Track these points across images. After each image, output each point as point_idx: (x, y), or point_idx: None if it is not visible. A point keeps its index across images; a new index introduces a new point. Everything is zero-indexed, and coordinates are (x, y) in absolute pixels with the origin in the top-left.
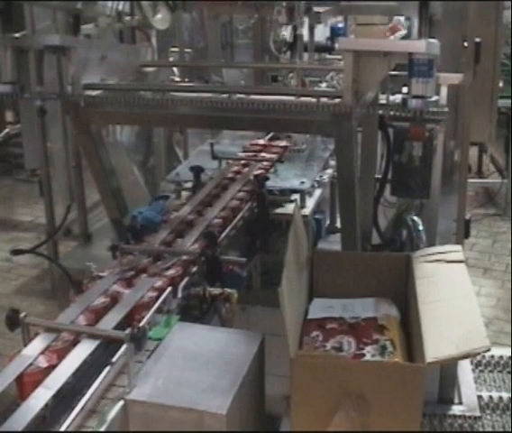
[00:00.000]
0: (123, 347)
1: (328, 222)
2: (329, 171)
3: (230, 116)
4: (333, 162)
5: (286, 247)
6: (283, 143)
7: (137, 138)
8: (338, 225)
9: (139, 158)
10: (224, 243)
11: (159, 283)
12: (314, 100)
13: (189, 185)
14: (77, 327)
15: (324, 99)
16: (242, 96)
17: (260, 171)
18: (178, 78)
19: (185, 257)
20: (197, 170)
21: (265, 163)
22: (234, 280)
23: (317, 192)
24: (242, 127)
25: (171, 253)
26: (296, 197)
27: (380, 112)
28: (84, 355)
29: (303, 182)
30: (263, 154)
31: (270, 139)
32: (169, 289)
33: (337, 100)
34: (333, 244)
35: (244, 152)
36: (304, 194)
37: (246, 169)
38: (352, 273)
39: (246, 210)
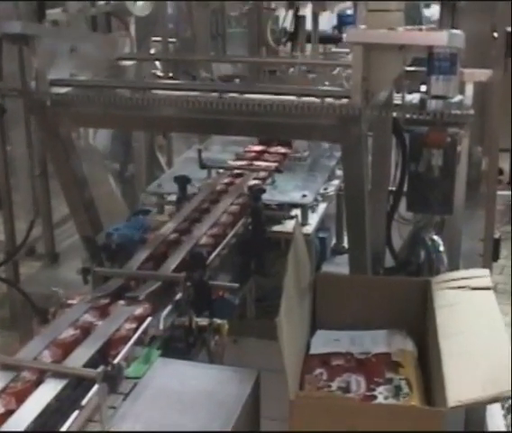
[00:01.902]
0: (95, 387)
1: (334, 241)
2: (335, 183)
3: (221, 119)
4: (339, 173)
5: (285, 270)
6: (282, 150)
7: (113, 143)
8: (345, 244)
9: (115, 166)
10: (214, 265)
11: (138, 312)
12: (317, 101)
13: (174, 198)
14: (42, 363)
15: (329, 100)
16: (234, 95)
17: (255, 183)
18: (160, 74)
19: (168, 282)
20: (183, 181)
21: (261, 173)
22: (225, 309)
23: (321, 207)
24: (235, 132)
25: (152, 278)
26: (296, 212)
27: (395, 114)
28: (48, 398)
29: (304, 195)
30: (259, 163)
31: (267, 145)
32: (150, 319)
33: (344, 101)
34: (340, 266)
35: (237, 160)
36: (306, 209)
37: (239, 179)
38: (361, 301)
39: (239, 227)
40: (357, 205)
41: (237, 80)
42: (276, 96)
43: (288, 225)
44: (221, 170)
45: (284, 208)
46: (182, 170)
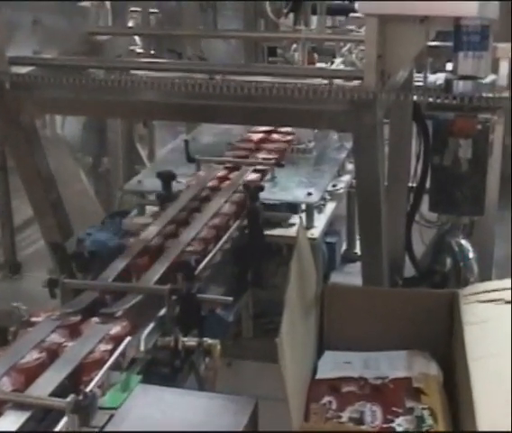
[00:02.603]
0: (64, 420)
1: (345, 247)
2: (345, 179)
3: (211, 105)
4: (350, 167)
5: (287, 281)
6: (284, 140)
7: (85, 133)
8: (358, 250)
9: (87, 160)
10: (204, 275)
11: (114, 331)
12: (325, 82)
13: (156, 197)
14: (0, 393)
15: (338, 81)
16: (228, 76)
17: (252, 178)
18: (140, 51)
19: (150, 296)
20: (167, 177)
21: (259, 167)
22: (217, 327)
23: (330, 207)
24: (229, 119)
25: (132, 291)
26: (300, 213)
27: (415, 98)
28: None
29: (310, 193)
30: (257, 155)
31: (267, 134)
32: (129, 339)
33: (356, 83)
34: (352, 276)
35: (231, 151)
36: (311, 209)
37: (233, 175)
38: (376, 317)
39: (233, 231)
40: (371, 204)
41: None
42: (276, 78)
43: (291, 229)
44: (212, 164)
45: (286, 209)
46: (166, 165)
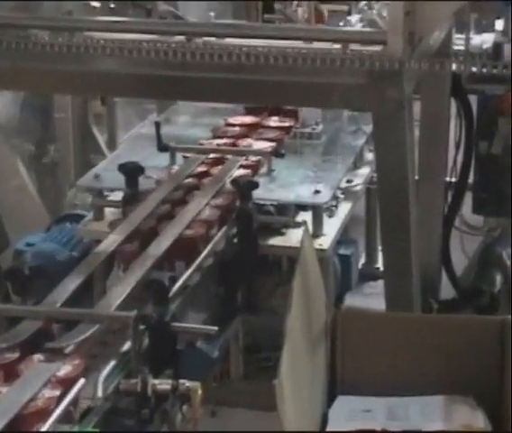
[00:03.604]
0: None
1: (363, 260)
2: (364, 172)
3: (190, 77)
4: (370, 156)
5: (288, 305)
6: (284, 123)
7: (24, 113)
8: (380, 265)
9: (28, 147)
10: (181, 298)
11: (63, 372)
12: (337, 47)
13: (119, 196)
14: None
15: (354, 46)
16: (211, 40)
17: (243, 173)
18: (97, 4)
19: (111, 325)
20: (133, 171)
21: (252, 158)
22: (198, 365)
23: (344, 209)
24: (212, 96)
25: (87, 318)
26: (305, 217)
27: (455, 68)
28: None
29: (318, 191)
30: (249, 142)
31: (261, 115)
32: (82, 381)
33: (378, 48)
34: (372, 298)
35: (216, 137)
36: (319, 212)
37: (218, 168)
38: (404, 351)
39: (219, 241)
40: (397, 205)
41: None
42: (274, 42)
43: (293, 237)
44: (191, 154)
45: (286, 211)
46: (131, 154)
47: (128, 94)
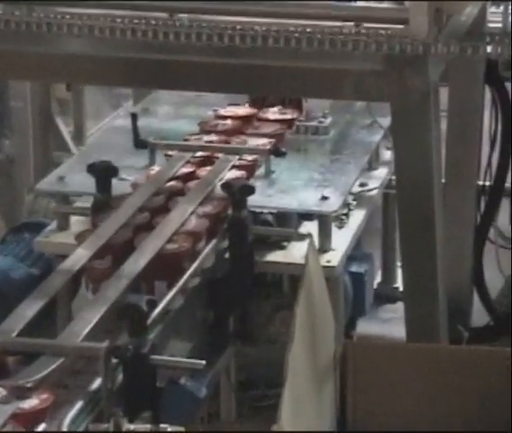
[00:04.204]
0: None
1: (379, 279)
2: (381, 174)
3: (173, 61)
4: (388, 155)
5: (290, 335)
6: (285, 115)
7: None
8: (400, 284)
9: None
10: (162, 326)
11: (20, 414)
12: (349, 25)
13: (88, 203)
14: None
15: (369, 26)
16: (199, 17)
17: (236, 175)
18: None
19: (78, 357)
20: (105, 172)
21: (247, 158)
22: (182, 405)
23: (356, 218)
24: (200, 85)
25: (50, 350)
26: (310, 228)
27: (489, 50)
28: None
29: (325, 198)
30: (243, 138)
31: (257, 106)
32: (43, 427)
33: (398, 27)
34: (390, 325)
35: (204, 132)
36: (327, 222)
37: (206, 169)
38: (427, 389)
39: (207, 257)
40: (420, 213)
41: None
42: (274, 20)
43: (296, 252)
44: (173, 152)
45: (288, 221)
46: (103, 152)
47: (99, 81)
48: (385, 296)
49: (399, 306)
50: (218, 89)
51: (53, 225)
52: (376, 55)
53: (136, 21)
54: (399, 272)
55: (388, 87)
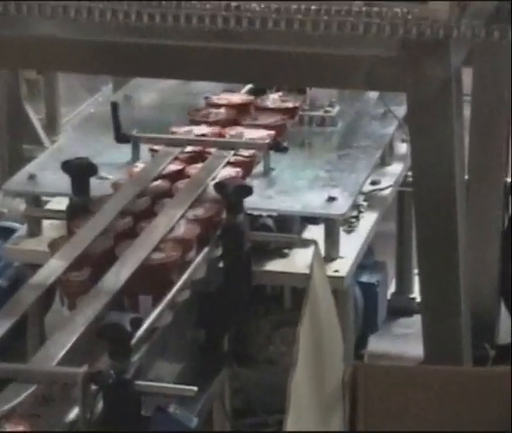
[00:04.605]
0: None
1: (393, 289)
2: (395, 170)
3: (160, 47)
4: (404, 149)
5: (293, 356)
6: (286, 104)
7: None
8: (416, 295)
9: None
10: (148, 347)
11: None
12: (359, 4)
13: (62, 205)
14: None
15: (384, 6)
16: None
17: (231, 173)
18: None
19: (52, 383)
20: (81, 170)
21: (243, 153)
22: None
23: (367, 221)
24: (192, 73)
25: (19, 376)
26: (315, 233)
27: None
28: None
29: (332, 198)
30: (239, 130)
31: (254, 93)
32: None
33: (416, 7)
34: (406, 342)
35: (194, 123)
36: (335, 227)
37: (198, 166)
38: (445, 416)
39: (198, 268)
40: (440, 215)
41: None
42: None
43: (299, 261)
44: (159, 147)
45: (290, 226)
46: (79, 146)
47: (75, 68)
48: (400, 309)
49: (416, 320)
50: (211, 78)
51: (23, 230)
52: (390, 39)
53: (117, 1)
54: (416, 282)
55: (403, 76)
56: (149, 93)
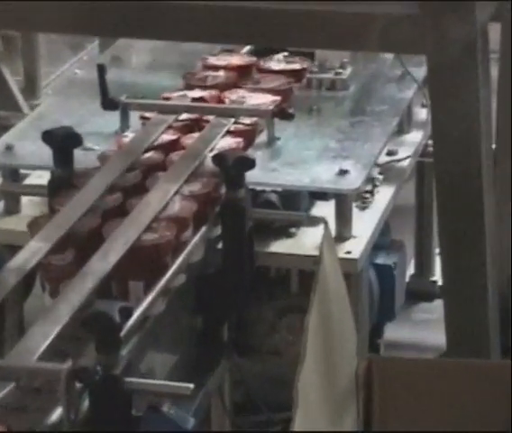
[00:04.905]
0: None
1: (412, 271)
2: (414, 139)
3: (151, 3)
4: (423, 115)
5: (302, 347)
6: (294, 65)
7: None
8: (438, 277)
9: None
10: (139, 339)
11: None
12: None
13: (43, 179)
14: None
15: None
16: None
17: (231, 144)
18: None
19: (33, 380)
20: (64, 140)
21: (245, 121)
22: None
23: (383, 197)
24: (186, 34)
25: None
26: (325, 210)
27: None
28: None
29: (344, 171)
30: (240, 95)
31: (258, 53)
32: None
33: None
34: (425, 328)
35: (190, 87)
36: (347, 203)
37: (194, 136)
38: (467, 411)
39: (195, 249)
40: (464, 189)
41: None
42: None
43: (307, 241)
44: (151, 114)
45: (297, 202)
46: (62, 113)
47: (57, 28)
48: (419, 293)
49: (437, 305)
50: (209, 39)
51: (0, 207)
52: None
53: None
54: (437, 263)
55: (424, 37)
56: (139, 54)
